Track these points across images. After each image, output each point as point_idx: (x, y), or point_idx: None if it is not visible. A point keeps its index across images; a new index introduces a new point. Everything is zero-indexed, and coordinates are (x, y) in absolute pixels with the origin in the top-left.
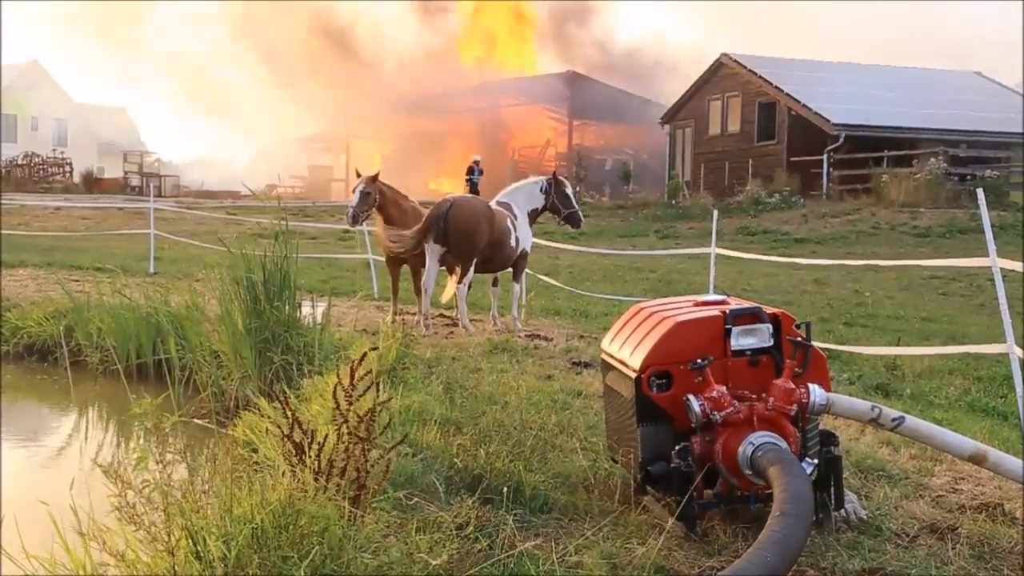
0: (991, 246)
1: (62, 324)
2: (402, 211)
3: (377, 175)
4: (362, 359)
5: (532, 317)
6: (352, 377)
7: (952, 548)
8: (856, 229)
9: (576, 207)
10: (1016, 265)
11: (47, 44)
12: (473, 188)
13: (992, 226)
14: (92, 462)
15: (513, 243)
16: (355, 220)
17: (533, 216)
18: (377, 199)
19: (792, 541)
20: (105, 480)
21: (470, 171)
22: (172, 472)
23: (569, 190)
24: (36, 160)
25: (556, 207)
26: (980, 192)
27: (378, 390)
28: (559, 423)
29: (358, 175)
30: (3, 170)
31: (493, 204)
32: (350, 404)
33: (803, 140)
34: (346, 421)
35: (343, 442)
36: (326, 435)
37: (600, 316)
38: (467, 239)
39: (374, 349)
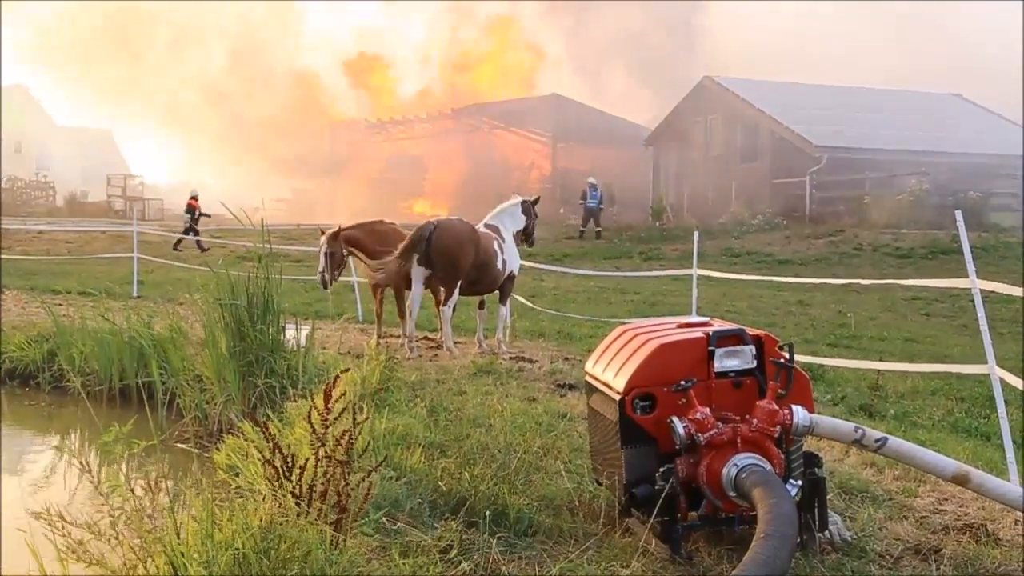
0: (970, 267)
1: (44, 348)
2: (382, 237)
3: (338, 231)
4: (335, 381)
5: (516, 339)
6: (327, 400)
7: (936, 569)
8: (839, 250)
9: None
10: (997, 286)
11: (31, 68)
12: (591, 213)
13: (973, 247)
14: (29, 510)
15: (500, 265)
16: (326, 283)
17: (518, 238)
18: (345, 254)
19: (776, 563)
20: (87, 505)
21: (584, 195)
22: (150, 498)
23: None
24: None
25: (530, 227)
26: (959, 213)
27: (355, 412)
28: (543, 445)
29: (321, 233)
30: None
31: (480, 227)
32: (326, 427)
33: (786, 162)
34: (323, 444)
35: (322, 465)
36: (307, 459)
37: (584, 338)
38: (452, 261)
39: (346, 371)
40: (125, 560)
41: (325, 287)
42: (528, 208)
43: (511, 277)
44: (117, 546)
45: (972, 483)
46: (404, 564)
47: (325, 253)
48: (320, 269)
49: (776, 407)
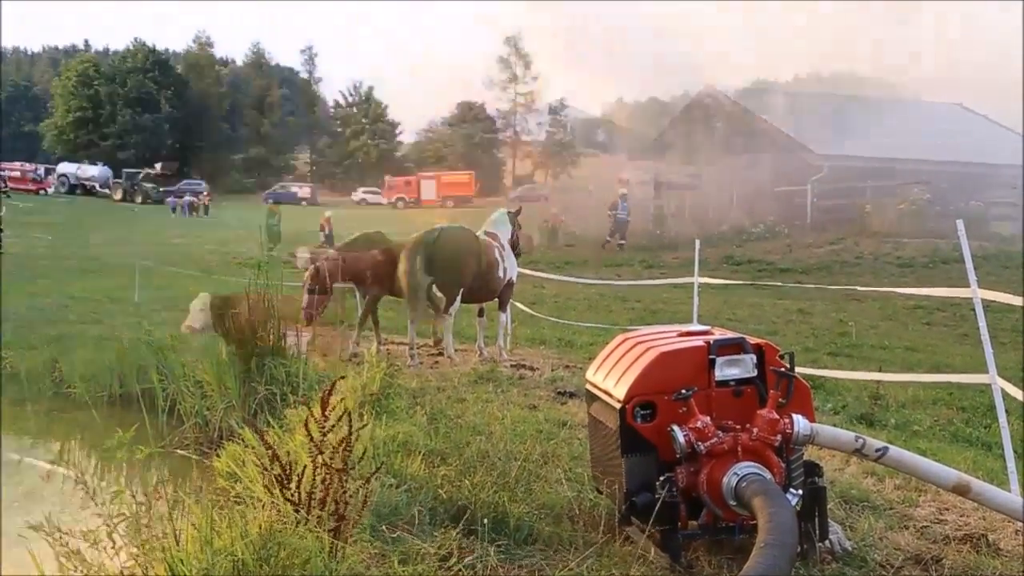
0: (972, 276)
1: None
2: (368, 247)
3: (318, 270)
4: (331, 389)
5: (517, 347)
6: (324, 408)
7: None
8: (840, 259)
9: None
10: (998, 296)
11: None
12: (620, 225)
13: (974, 256)
14: (26, 523)
15: (501, 273)
16: (310, 319)
17: (511, 246)
18: (330, 290)
19: (776, 572)
20: (88, 510)
21: (613, 206)
22: (148, 505)
23: None
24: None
25: (515, 238)
26: (960, 222)
27: (351, 420)
28: (544, 453)
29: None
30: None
31: (480, 234)
32: (323, 435)
33: (787, 170)
34: (321, 452)
35: (320, 473)
36: (305, 466)
37: (585, 346)
38: (454, 269)
39: (342, 378)
40: (123, 568)
41: (309, 322)
42: (513, 218)
43: (510, 284)
44: (116, 554)
45: (973, 493)
46: (403, 572)
47: (307, 290)
48: (304, 305)
49: (777, 416)
